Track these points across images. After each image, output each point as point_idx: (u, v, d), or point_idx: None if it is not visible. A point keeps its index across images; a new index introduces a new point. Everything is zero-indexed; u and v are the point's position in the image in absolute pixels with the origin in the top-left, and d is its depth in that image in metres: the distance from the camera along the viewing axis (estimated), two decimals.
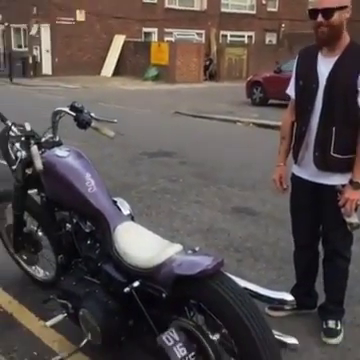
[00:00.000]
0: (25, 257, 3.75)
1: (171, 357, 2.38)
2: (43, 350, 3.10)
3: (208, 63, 26.92)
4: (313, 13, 2.78)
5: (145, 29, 28.66)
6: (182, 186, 6.29)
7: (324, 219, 3.18)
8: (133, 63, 26.03)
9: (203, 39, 29.94)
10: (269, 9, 32.84)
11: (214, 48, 27.90)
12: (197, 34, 30.21)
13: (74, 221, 3.00)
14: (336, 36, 2.83)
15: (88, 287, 2.89)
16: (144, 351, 2.80)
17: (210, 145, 8.96)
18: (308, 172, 3.10)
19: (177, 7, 29.42)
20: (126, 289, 2.55)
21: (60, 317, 3.01)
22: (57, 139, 3.19)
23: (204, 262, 2.37)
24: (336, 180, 3.00)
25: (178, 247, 2.58)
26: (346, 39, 2.88)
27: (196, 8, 30.28)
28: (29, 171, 3.09)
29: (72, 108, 3.09)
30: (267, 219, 5.13)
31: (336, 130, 2.90)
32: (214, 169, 7.11)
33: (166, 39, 28.46)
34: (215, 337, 2.46)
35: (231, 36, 31.54)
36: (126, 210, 3.08)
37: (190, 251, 2.60)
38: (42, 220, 3.38)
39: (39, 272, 3.84)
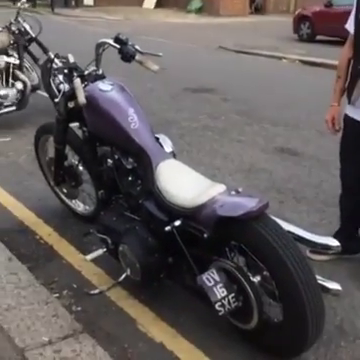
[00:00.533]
0: (65, 191, 3.76)
1: (211, 297, 2.37)
2: (83, 283, 3.14)
3: None
4: None
5: None
6: (224, 124, 6.16)
7: None
8: None
9: None
10: None
11: None
12: None
13: (116, 157, 2.96)
14: None
15: (128, 223, 2.88)
16: (183, 289, 2.81)
17: (254, 82, 8.70)
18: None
19: None
20: (167, 228, 2.52)
21: (100, 251, 3.03)
22: (100, 72, 3.10)
23: (248, 204, 2.31)
24: None
25: (221, 187, 2.52)
26: None
27: None
28: (71, 104, 3.03)
29: (116, 40, 2.98)
30: (311, 160, 4.98)
31: None
32: (257, 107, 6.92)
33: None
34: (256, 279, 2.43)
35: None
36: (168, 147, 3.02)
37: (233, 192, 2.53)
38: (83, 154, 3.35)
39: (79, 206, 3.86)
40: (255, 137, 5.68)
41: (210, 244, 2.49)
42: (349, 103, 3.03)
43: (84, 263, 3.32)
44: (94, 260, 3.17)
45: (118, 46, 2.97)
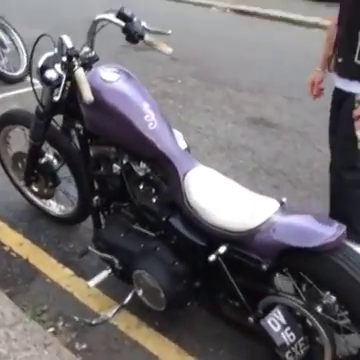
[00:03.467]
0: (37, 190, 3.12)
1: (277, 343, 1.97)
2: (78, 309, 2.63)
3: None
4: None
5: None
6: (183, 89, 5.58)
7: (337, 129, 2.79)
8: None
9: None
10: None
11: None
12: None
13: (124, 161, 2.38)
14: None
15: (143, 242, 2.37)
16: (216, 317, 2.36)
17: (193, 36, 8.06)
18: (335, 78, 2.72)
19: None
20: (212, 257, 2.03)
21: (104, 274, 2.52)
22: (93, 54, 2.46)
23: (324, 231, 1.87)
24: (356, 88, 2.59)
25: (275, 204, 2.05)
26: None
27: None
28: (57, 98, 2.38)
29: (120, 16, 2.34)
30: (290, 133, 4.58)
31: None
32: (211, 68, 6.35)
33: None
34: (319, 310, 2.03)
35: None
36: (182, 143, 2.47)
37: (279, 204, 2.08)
38: (69, 153, 2.76)
39: (51, 205, 3.27)
40: (222, 105, 5.17)
41: (261, 274, 2.04)
42: (329, 70, 2.82)
43: (73, 281, 2.81)
44: (86, 277, 2.66)
45: (122, 24, 2.34)
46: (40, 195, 3.13)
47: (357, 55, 2.54)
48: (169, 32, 2.47)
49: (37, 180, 2.99)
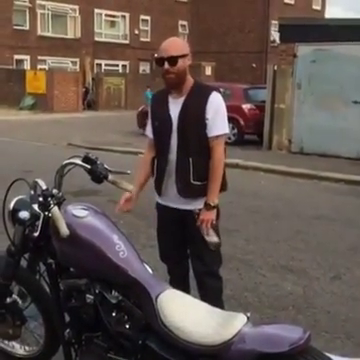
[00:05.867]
0: (1, 331, 3.13)
1: None
2: None
3: (83, 91, 26.47)
4: (160, 61, 3.09)
5: (17, 56, 27.58)
6: (127, 228, 5.78)
7: (192, 241, 3.35)
8: (6, 92, 24.72)
9: (77, 67, 29.50)
10: (142, 39, 33.40)
11: (89, 77, 27.53)
12: (71, 62, 29.73)
13: (96, 291, 2.54)
14: (182, 80, 3.15)
15: None
16: None
17: (128, 180, 8.53)
18: (172, 200, 3.29)
19: (50, 35, 28.82)
20: None
21: None
22: (61, 194, 2.73)
23: (292, 335, 2.10)
24: (198, 205, 3.22)
25: (243, 317, 2.27)
26: (190, 81, 3.22)
27: (70, 36, 29.86)
28: (37, 232, 2.58)
29: (85, 160, 2.68)
30: (233, 261, 4.88)
31: (193, 160, 3.18)
32: (148, 206, 6.66)
33: (39, 67, 27.61)
34: None
35: (105, 65, 31.50)
36: (149, 269, 2.70)
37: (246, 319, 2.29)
38: (38, 290, 2.88)
39: (14, 347, 3.25)
40: None
41: None
42: (160, 195, 3.37)
43: None
44: None
45: (88, 166, 2.67)
46: (4, 336, 3.13)
47: (192, 177, 3.18)
48: (129, 172, 2.81)
49: (3, 321, 3.02)
